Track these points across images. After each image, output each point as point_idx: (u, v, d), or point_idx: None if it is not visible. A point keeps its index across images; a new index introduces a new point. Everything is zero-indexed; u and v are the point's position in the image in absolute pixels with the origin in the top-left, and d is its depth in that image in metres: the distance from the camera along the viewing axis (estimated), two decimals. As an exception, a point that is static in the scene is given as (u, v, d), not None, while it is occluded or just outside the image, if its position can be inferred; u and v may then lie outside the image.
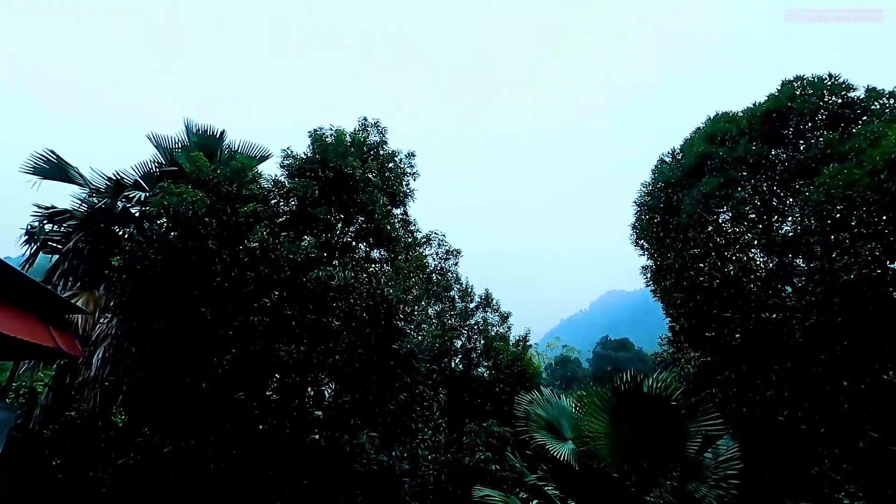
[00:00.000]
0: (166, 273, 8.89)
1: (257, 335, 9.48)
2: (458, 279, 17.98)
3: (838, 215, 8.54)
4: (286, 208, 10.82)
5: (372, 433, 8.88)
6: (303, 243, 9.74)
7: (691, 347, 12.27)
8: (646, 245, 12.65)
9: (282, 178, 11.33)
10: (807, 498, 9.41)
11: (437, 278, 15.37)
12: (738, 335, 11.14)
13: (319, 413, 10.29)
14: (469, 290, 18.28)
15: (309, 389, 10.70)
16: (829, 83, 10.52)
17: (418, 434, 10.11)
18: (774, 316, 10.66)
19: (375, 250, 12.35)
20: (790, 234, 10.26)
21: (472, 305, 18.47)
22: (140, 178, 11.75)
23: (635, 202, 12.98)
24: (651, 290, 12.94)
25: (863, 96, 10.36)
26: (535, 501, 11.16)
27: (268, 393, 10.16)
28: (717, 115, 12.07)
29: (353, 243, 12.19)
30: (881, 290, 8.36)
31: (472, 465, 11.32)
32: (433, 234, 14.77)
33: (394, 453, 8.97)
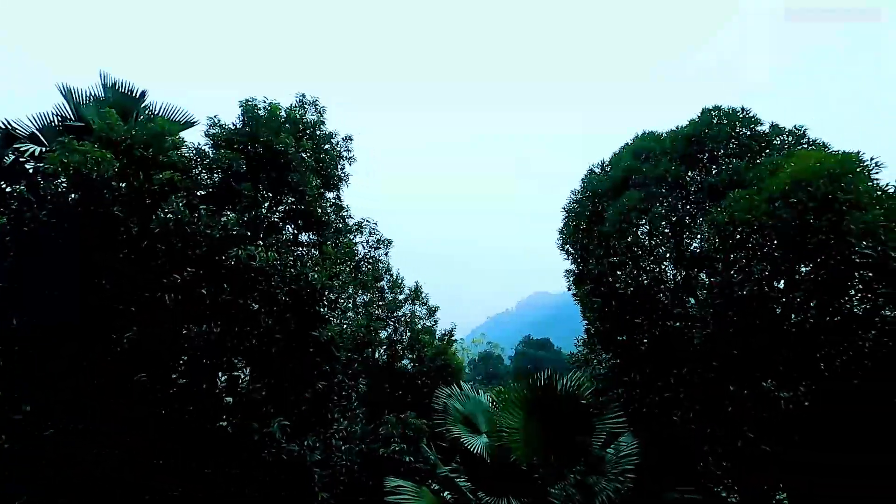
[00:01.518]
0: (61, 238, 8.00)
1: (165, 313, 8.82)
2: (388, 269, 17.82)
3: (738, 236, 9.43)
4: (208, 181, 10.13)
5: (284, 422, 8.57)
6: (224, 219, 9.16)
7: (604, 350, 13.02)
8: (571, 250, 13.24)
9: (206, 149, 10.58)
10: (692, 492, 10.31)
11: (366, 267, 15.14)
12: (646, 340, 11.98)
13: (230, 399, 9.79)
14: (399, 281, 18.18)
15: (221, 374, 10.13)
16: (741, 116, 11.57)
17: (334, 424, 9.92)
18: (678, 324, 11.58)
19: (304, 233, 11.92)
20: (697, 251, 11.16)
21: (400, 297, 18.39)
22: (38, 130, 10.48)
23: (564, 208, 13.55)
24: (572, 294, 13.56)
25: (767, 131, 11.49)
26: (446, 493, 11.34)
27: (174, 376, 9.49)
28: (644, 133, 12.87)
29: (281, 224, 11.68)
30: (767, 307, 9.34)
31: (387, 457, 11.31)
32: (365, 222, 14.52)
33: (306, 443, 8.73)
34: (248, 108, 10.63)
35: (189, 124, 11.57)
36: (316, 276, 9.11)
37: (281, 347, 9.37)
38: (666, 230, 11.80)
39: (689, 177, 12.17)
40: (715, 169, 11.85)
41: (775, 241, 9.48)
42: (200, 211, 8.89)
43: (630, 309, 12.12)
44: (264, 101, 10.87)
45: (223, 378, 9.82)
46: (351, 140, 12.28)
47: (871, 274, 8.64)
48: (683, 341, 10.93)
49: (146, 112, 11.30)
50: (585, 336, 13.13)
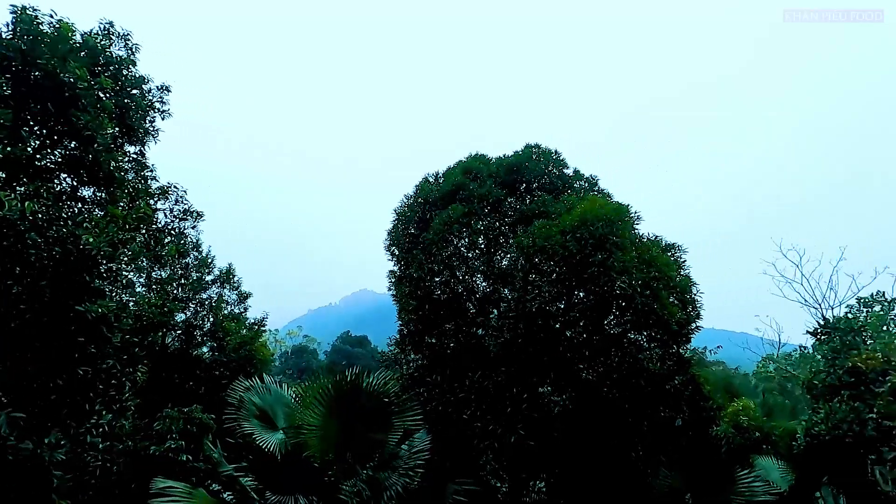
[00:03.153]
0: None
1: None
2: (197, 246, 15.90)
3: (535, 259, 10.89)
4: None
5: (16, 414, 6.88)
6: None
7: (414, 350, 13.63)
8: (396, 252, 13.60)
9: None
10: (470, 483, 11.40)
11: (168, 240, 13.22)
12: (452, 344, 12.93)
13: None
14: (208, 260, 16.35)
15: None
16: (554, 157, 13.44)
17: (93, 417, 8.33)
18: (481, 332, 12.79)
19: (88, 188, 9.87)
20: (505, 268, 12.51)
21: (208, 278, 16.56)
22: None
23: (395, 211, 13.88)
24: (392, 294, 13.91)
25: (571, 174, 13.56)
26: (227, 494, 10.45)
27: None
28: (476, 154, 14.01)
29: (56, 171, 9.48)
30: (549, 322, 10.96)
31: (159, 455, 9.96)
32: (172, 188, 12.63)
33: (47, 440, 7.14)
34: (24, 19, 8.37)
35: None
36: (92, 240, 7.56)
37: (29, 322, 7.53)
38: (482, 245, 12.97)
39: (508, 202, 13.60)
40: (528, 198, 13.48)
41: (564, 268, 11.21)
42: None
43: (442, 314, 12.96)
44: (52, 15, 8.69)
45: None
46: (168, 91, 10.61)
47: (623, 304, 10.84)
48: (482, 348, 12.10)
49: None
50: (398, 336, 13.58)
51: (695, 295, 11.43)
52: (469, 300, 13.26)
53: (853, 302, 18.96)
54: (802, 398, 15.48)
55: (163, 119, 10.62)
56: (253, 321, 16.81)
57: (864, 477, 13.22)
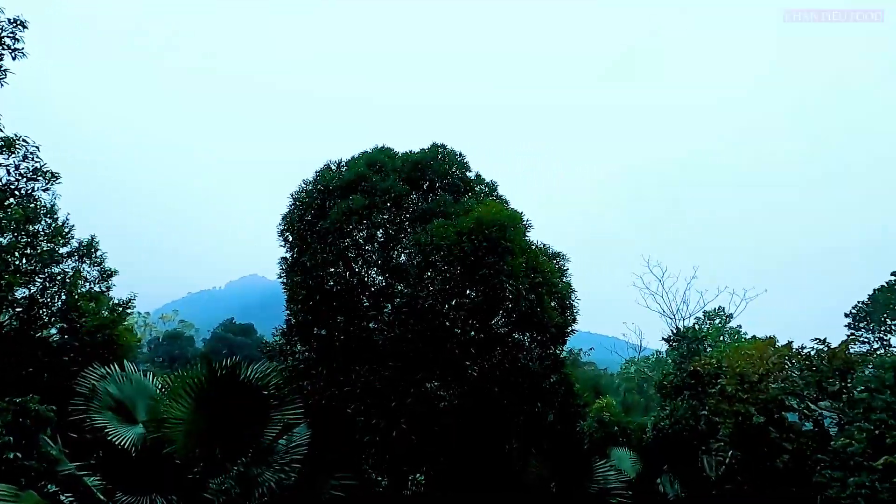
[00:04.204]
0: None
1: None
2: (51, 212, 13.79)
3: (432, 258, 11.10)
4: None
5: None
6: None
7: (301, 342, 13.13)
8: (290, 238, 12.99)
9: None
10: (349, 478, 11.28)
11: (12, 202, 11.26)
12: (342, 337, 12.67)
13: None
14: (65, 230, 14.25)
15: None
16: (458, 159, 13.78)
17: None
18: (373, 325, 12.70)
19: None
20: (401, 264, 12.55)
21: (63, 250, 14.43)
22: None
23: (292, 195, 13.24)
24: (282, 282, 13.27)
25: (473, 178, 14.00)
26: (66, 495, 9.25)
27: None
28: (382, 147, 13.89)
29: None
30: (439, 320, 11.24)
31: (-21, 454, 8.49)
32: (21, 141, 10.74)
33: None
34: None
35: None
36: None
37: None
38: (381, 239, 12.88)
39: (410, 198, 13.66)
40: (431, 197, 13.65)
41: (458, 268, 11.56)
42: None
43: (334, 306, 12.65)
44: None
45: None
46: (24, 27, 9.01)
47: (510, 305, 11.48)
48: (373, 342, 12.04)
49: None
50: (285, 326, 13.00)
51: (573, 301, 12.45)
52: (363, 293, 13.10)
53: (700, 315, 21.98)
54: (654, 397, 17.63)
55: (14, 59, 9.01)
56: (117, 301, 15.00)
57: (695, 466, 15.37)
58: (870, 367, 11.98)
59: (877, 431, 9.45)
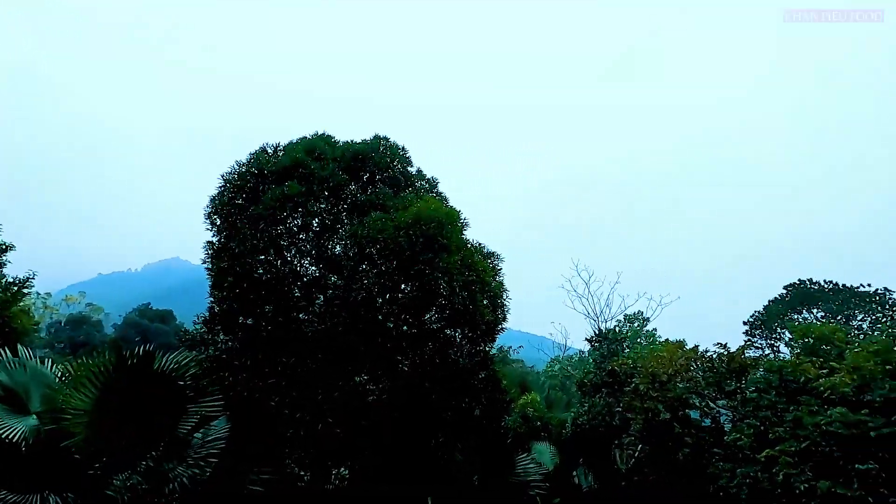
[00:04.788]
0: None
1: None
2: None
3: (368, 250, 10.99)
4: None
5: None
6: None
7: (224, 331, 12.52)
8: (218, 221, 12.31)
9: None
10: (269, 472, 10.93)
11: None
12: (269, 327, 12.21)
13: None
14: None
15: None
16: (401, 153, 13.70)
17: None
18: (303, 316, 12.35)
19: None
20: (336, 255, 12.30)
21: (-54, 221, 12.85)
22: None
23: (223, 176, 12.55)
24: (206, 268, 12.56)
25: (414, 173, 13.98)
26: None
27: None
28: (322, 134, 13.50)
29: None
30: (371, 314, 11.15)
31: None
32: None
33: None
34: None
35: None
36: None
37: None
38: (316, 229, 12.54)
39: (350, 188, 13.42)
40: (370, 188, 13.49)
41: (394, 262, 11.51)
42: None
43: (263, 294, 12.17)
44: None
45: None
46: None
47: (443, 302, 11.62)
48: (302, 333, 11.72)
49: None
50: (208, 314, 12.32)
51: (504, 300, 12.81)
52: (294, 283, 12.71)
53: (621, 318, 23.39)
54: (576, 394, 18.57)
55: None
56: (12, 280, 13.55)
57: (608, 459, 16.37)
58: (761, 369, 13.34)
59: (762, 427, 10.54)
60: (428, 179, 13.97)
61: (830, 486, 8.52)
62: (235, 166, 12.67)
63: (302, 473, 13.13)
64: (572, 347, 24.91)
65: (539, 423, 17.28)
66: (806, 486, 8.92)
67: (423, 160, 14.34)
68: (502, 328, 13.01)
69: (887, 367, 9.06)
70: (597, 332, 17.88)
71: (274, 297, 12.04)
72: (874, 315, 18.76)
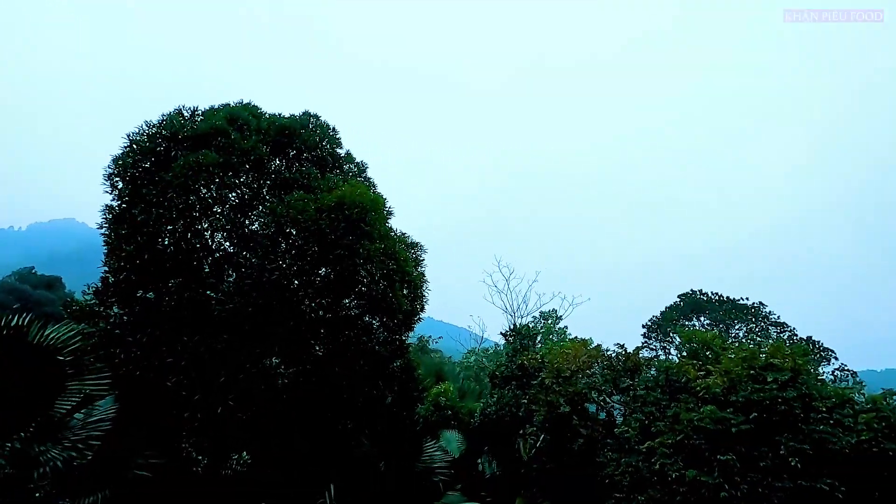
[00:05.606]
0: None
1: None
2: None
3: (287, 230, 10.58)
4: None
5: None
6: None
7: (119, 304, 11.54)
8: (120, 185, 11.22)
9: None
10: (157, 456, 10.26)
11: None
12: (172, 303, 11.40)
13: None
14: None
15: None
16: (331, 133, 13.29)
17: None
18: (211, 293, 11.66)
19: None
20: (253, 232, 11.72)
21: None
22: None
23: (129, 136, 11.43)
24: (104, 234, 11.45)
25: (343, 154, 13.63)
26: None
27: None
28: (248, 103, 12.74)
29: None
30: (287, 295, 10.79)
31: None
32: None
33: None
34: None
35: None
36: None
37: None
38: (233, 202, 11.86)
39: (272, 163, 12.82)
40: (296, 166, 12.96)
41: (314, 245, 11.19)
42: None
43: (168, 267, 11.33)
44: None
45: None
46: None
47: (363, 289, 11.51)
48: (209, 312, 11.07)
49: None
50: (101, 284, 11.25)
51: (424, 291, 12.94)
52: (205, 259, 11.96)
53: (536, 314, 24.49)
54: (488, 385, 19.25)
55: None
56: None
57: (511, 447, 17.17)
58: (652, 369, 14.61)
59: (647, 421, 11.59)
60: (357, 163, 13.67)
61: (696, 475, 9.56)
62: (145, 126, 11.58)
63: (199, 458, 12.49)
64: (489, 340, 25.74)
65: (450, 412, 17.72)
66: (677, 474, 9.95)
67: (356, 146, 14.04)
68: (419, 318, 13.15)
69: (751, 371, 10.29)
70: (511, 327, 18.61)
71: (180, 272, 11.24)
72: (749, 325, 21.27)
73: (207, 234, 11.89)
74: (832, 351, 19.78)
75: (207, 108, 12.30)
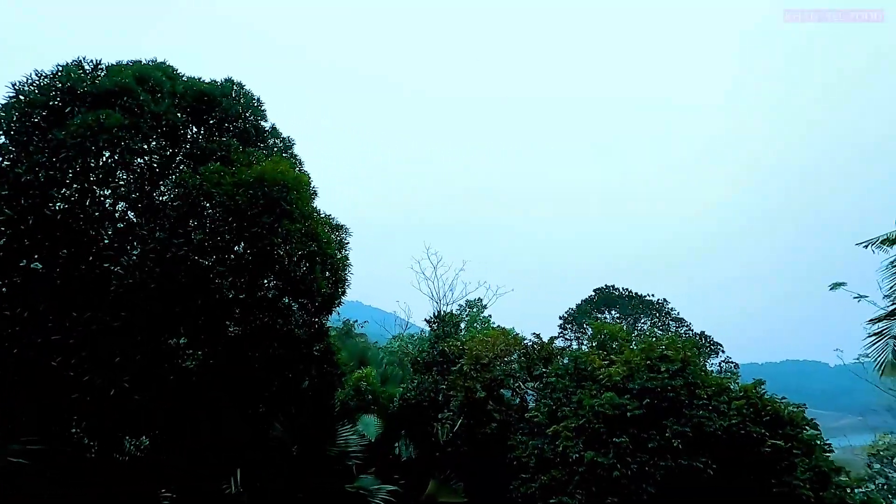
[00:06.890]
0: None
1: None
2: None
3: (201, 203, 9.92)
4: None
5: None
6: None
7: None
8: (3, 139, 9.95)
9: None
10: (35, 441, 9.36)
11: None
12: (62, 275, 10.35)
13: None
14: None
15: None
16: (255, 104, 12.55)
17: None
18: (110, 266, 10.71)
19: None
20: (161, 203, 10.88)
21: None
22: None
23: (15, 86, 10.07)
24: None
25: (269, 128, 12.95)
26: None
27: None
28: (162, 63, 11.68)
29: None
30: (197, 273, 10.16)
31: None
32: None
33: None
34: None
35: None
36: None
37: None
38: (139, 170, 10.92)
39: (192, 132, 11.94)
40: (216, 136, 12.15)
41: (231, 221, 10.60)
42: None
43: (58, 236, 10.25)
44: None
45: None
46: None
47: (281, 270, 11.10)
48: (105, 286, 10.18)
49: None
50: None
51: (346, 274, 12.71)
52: (105, 229, 10.96)
53: (462, 303, 24.92)
54: (411, 371, 19.40)
55: None
56: None
57: (429, 431, 17.48)
58: (565, 358, 15.44)
59: (554, 406, 12.27)
60: (283, 139, 13.04)
61: (594, 456, 10.29)
62: (34, 76, 10.27)
63: (91, 444, 11.57)
64: (414, 326, 25.87)
65: (371, 396, 17.67)
66: (577, 455, 10.65)
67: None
68: (340, 302, 12.92)
69: (648, 361, 11.18)
70: (435, 314, 18.82)
71: (72, 242, 10.20)
72: (653, 319, 23.08)
73: (108, 202, 10.88)
74: (720, 345, 21.99)
75: (115, 63, 11.13)
